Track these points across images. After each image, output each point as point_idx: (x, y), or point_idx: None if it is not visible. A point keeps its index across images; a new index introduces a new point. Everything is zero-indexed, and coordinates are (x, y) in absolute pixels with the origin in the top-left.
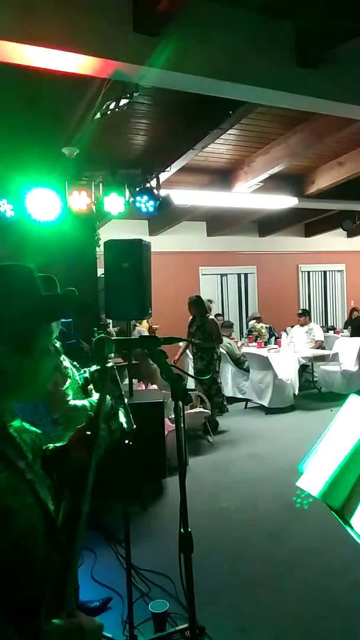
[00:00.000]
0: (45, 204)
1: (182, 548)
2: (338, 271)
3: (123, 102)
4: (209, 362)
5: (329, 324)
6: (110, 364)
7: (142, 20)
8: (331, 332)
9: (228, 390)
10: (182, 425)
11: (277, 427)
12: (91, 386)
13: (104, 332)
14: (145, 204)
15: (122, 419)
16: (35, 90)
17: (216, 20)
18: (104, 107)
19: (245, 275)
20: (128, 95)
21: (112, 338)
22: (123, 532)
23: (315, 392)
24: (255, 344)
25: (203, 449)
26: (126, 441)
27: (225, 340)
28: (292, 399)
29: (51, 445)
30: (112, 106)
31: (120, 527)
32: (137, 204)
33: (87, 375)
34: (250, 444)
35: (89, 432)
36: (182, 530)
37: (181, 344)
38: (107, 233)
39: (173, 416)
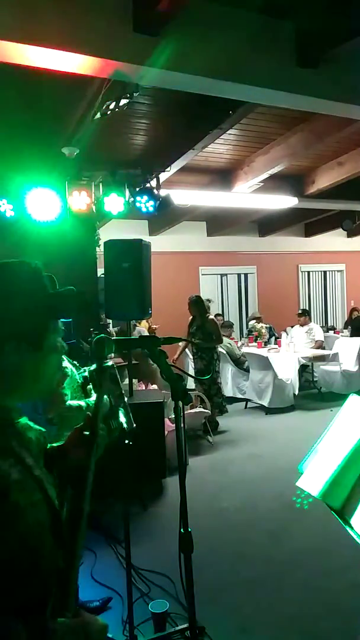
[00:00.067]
0: (45, 204)
1: (182, 548)
2: (338, 271)
3: (123, 102)
4: (209, 362)
5: (329, 324)
6: (109, 363)
7: (142, 20)
8: (331, 332)
9: (228, 390)
10: (182, 425)
11: (277, 427)
12: (90, 386)
13: (103, 333)
14: (145, 204)
15: (122, 418)
16: (35, 90)
17: (216, 20)
18: (104, 107)
19: (245, 275)
20: (128, 95)
21: (112, 338)
22: (123, 532)
23: (315, 392)
24: (255, 344)
25: (203, 449)
26: (126, 441)
27: (225, 340)
28: (292, 399)
29: (48, 445)
30: (112, 106)
31: (120, 527)
32: (137, 204)
33: (86, 374)
34: (250, 444)
35: (86, 432)
36: (182, 530)
37: (180, 343)
38: (107, 233)
39: (173, 416)
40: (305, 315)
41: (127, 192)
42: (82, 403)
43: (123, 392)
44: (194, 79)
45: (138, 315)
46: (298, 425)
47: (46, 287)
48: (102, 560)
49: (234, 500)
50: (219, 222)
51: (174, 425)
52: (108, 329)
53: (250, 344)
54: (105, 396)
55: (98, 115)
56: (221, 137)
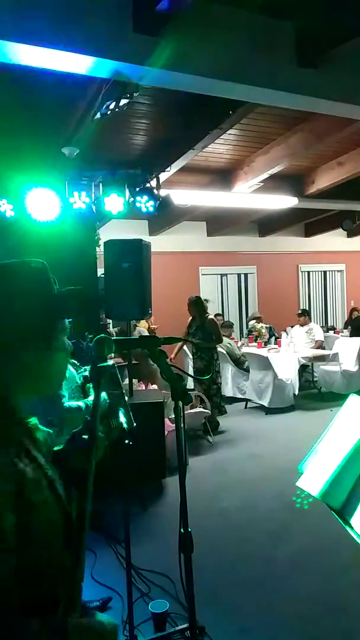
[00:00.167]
0: (45, 204)
1: (182, 548)
2: (338, 271)
3: (123, 102)
4: (209, 362)
5: (329, 324)
6: (110, 363)
7: (142, 20)
8: (331, 332)
9: (228, 390)
10: (182, 425)
11: (277, 427)
12: (90, 385)
13: (103, 333)
14: (145, 204)
15: (122, 418)
16: (35, 90)
17: (216, 20)
18: (104, 107)
19: (245, 275)
20: (128, 95)
21: (112, 338)
22: (123, 532)
23: (315, 392)
24: (255, 344)
25: (203, 449)
26: (126, 441)
27: (225, 340)
28: (292, 399)
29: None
30: (112, 106)
31: (120, 527)
32: (137, 204)
33: (86, 374)
34: (250, 444)
35: (85, 436)
36: (182, 530)
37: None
38: (107, 233)
39: (173, 416)
40: (305, 315)
41: (127, 192)
42: (81, 404)
43: (123, 391)
44: (194, 79)
45: (138, 315)
46: (298, 425)
47: (52, 286)
48: (102, 560)
49: (234, 500)
50: (219, 222)
51: (174, 425)
52: (108, 329)
53: (250, 344)
54: (103, 394)
55: (98, 115)
56: (221, 137)
